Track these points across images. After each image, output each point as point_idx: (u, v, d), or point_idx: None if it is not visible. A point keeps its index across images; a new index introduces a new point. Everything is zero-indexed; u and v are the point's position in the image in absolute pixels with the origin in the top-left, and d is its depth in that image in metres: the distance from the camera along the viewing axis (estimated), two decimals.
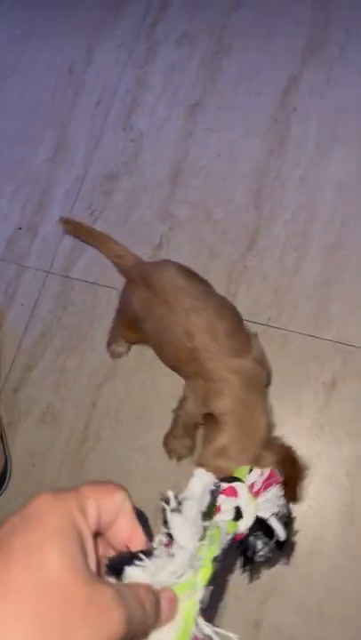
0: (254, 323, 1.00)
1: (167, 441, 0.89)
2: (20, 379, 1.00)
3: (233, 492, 0.54)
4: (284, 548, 0.60)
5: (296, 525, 0.84)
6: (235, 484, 0.55)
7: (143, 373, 0.98)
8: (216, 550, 0.44)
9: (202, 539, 0.42)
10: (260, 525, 0.55)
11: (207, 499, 0.47)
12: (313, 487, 0.86)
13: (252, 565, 0.52)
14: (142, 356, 0.98)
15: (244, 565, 0.51)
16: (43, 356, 1.01)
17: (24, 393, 0.99)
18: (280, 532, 0.55)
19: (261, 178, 1.08)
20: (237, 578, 0.83)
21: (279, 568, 0.83)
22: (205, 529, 0.43)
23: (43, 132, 1.17)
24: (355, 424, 0.89)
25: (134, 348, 0.99)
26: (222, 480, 0.53)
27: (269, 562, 0.60)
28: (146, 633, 0.30)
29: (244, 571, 0.51)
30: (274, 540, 0.56)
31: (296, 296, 0.98)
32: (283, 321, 0.97)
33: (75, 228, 0.97)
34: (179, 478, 0.90)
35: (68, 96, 1.19)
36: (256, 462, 0.71)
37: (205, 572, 0.39)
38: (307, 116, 1.09)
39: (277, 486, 0.57)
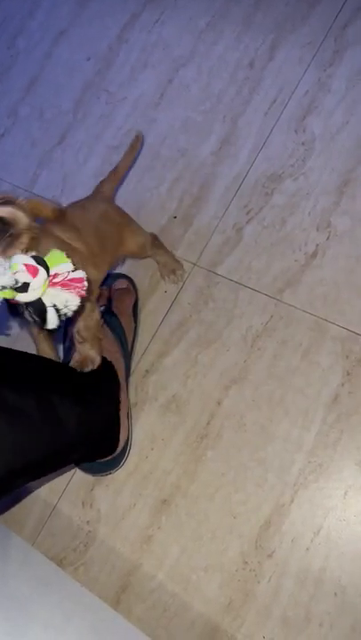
0: None
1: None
2: (152, 363, 1.03)
3: (34, 272, 0.60)
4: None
5: None
6: (40, 268, 0.60)
7: (274, 384, 0.95)
8: None
9: None
10: (37, 307, 0.60)
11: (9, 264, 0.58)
12: None
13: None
14: (275, 366, 0.96)
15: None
16: (177, 346, 1.02)
17: (154, 377, 1.01)
18: (52, 321, 0.59)
19: None
20: None
21: None
22: None
23: (211, 125, 1.18)
24: None
25: (268, 357, 0.97)
26: (35, 258, 0.60)
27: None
28: None
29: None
30: (41, 324, 0.60)
31: None
32: None
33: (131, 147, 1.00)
34: (293, 492, 0.87)
35: (243, 91, 1.17)
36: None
37: None
38: None
39: (76, 293, 0.62)
